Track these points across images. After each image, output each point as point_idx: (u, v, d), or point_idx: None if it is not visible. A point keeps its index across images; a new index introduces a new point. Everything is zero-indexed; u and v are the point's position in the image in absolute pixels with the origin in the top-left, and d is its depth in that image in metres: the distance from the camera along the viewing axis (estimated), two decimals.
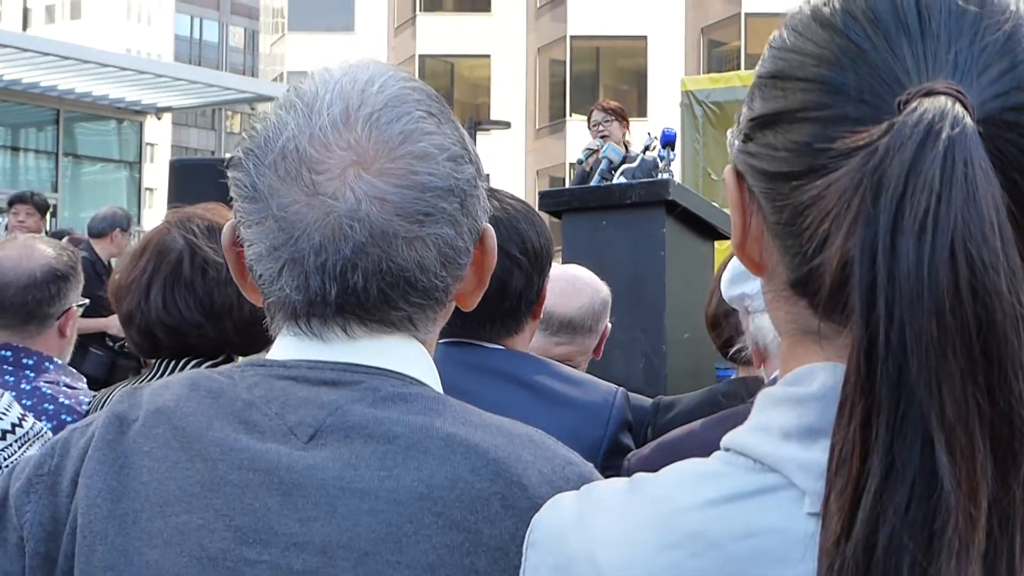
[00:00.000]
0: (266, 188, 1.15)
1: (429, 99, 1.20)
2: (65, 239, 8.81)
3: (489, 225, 1.26)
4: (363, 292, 1.14)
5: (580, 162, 8.20)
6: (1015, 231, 0.74)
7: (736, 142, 0.91)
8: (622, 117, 8.12)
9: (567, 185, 8.30)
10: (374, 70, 1.19)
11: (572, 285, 2.74)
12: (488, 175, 1.32)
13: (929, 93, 0.75)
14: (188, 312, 2.31)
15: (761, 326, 2.12)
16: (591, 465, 1.19)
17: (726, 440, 0.89)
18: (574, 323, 2.73)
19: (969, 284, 0.70)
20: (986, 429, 0.70)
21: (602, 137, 8.02)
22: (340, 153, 1.13)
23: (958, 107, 0.74)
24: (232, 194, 1.20)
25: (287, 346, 1.20)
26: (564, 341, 2.73)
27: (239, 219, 1.20)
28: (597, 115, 8.19)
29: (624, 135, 8.07)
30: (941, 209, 0.71)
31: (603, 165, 6.65)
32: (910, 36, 0.80)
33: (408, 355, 1.20)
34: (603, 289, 2.85)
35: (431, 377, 1.22)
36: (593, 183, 6.42)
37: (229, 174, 1.20)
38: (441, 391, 1.21)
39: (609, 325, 2.88)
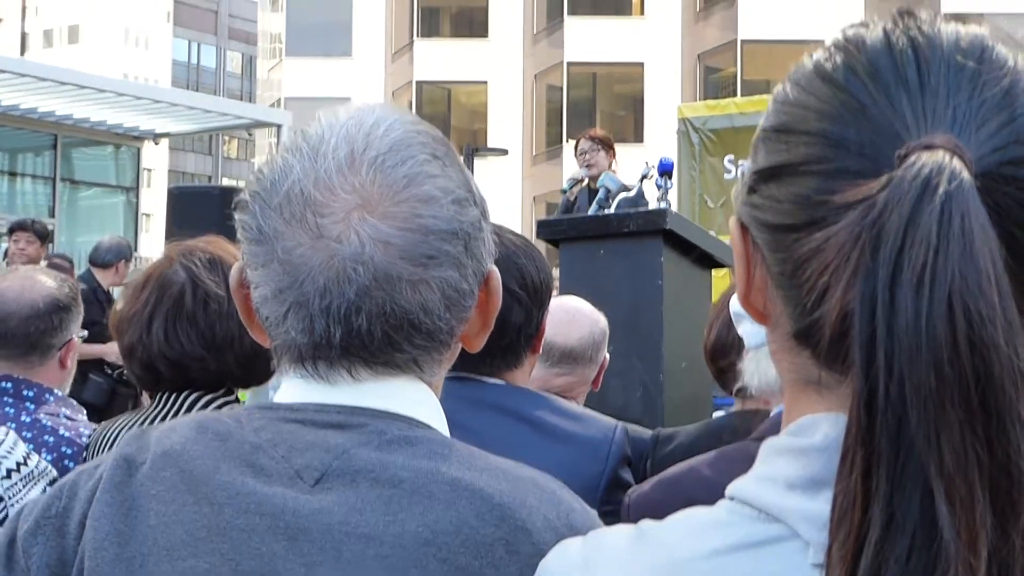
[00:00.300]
0: (271, 231, 1.16)
1: (434, 142, 1.21)
2: (43, 262, 8.83)
3: (495, 267, 1.26)
4: (367, 335, 1.15)
5: (564, 192, 8.20)
6: (1013, 284, 0.75)
7: (741, 194, 0.92)
8: (609, 146, 8.13)
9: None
10: (380, 113, 1.20)
11: (571, 316, 2.75)
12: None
13: (928, 147, 0.77)
14: (190, 345, 2.32)
15: (766, 365, 2.12)
16: (595, 512, 1.20)
17: (731, 489, 0.90)
18: (575, 353, 2.74)
19: (967, 337, 0.71)
20: (985, 479, 0.71)
21: (588, 166, 8.03)
22: (345, 196, 1.14)
23: (956, 161, 0.75)
24: (239, 236, 1.21)
25: (294, 388, 1.20)
26: (565, 372, 2.74)
27: (246, 261, 1.21)
28: (584, 144, 8.20)
29: (611, 164, 8.06)
30: (939, 263, 0.72)
31: (601, 194, 6.66)
32: (909, 91, 0.81)
33: (414, 398, 1.20)
34: (601, 320, 2.86)
35: (437, 420, 1.22)
36: (591, 212, 6.43)
37: (236, 216, 1.21)
38: (448, 433, 1.22)
39: (607, 356, 2.89)
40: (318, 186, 1.14)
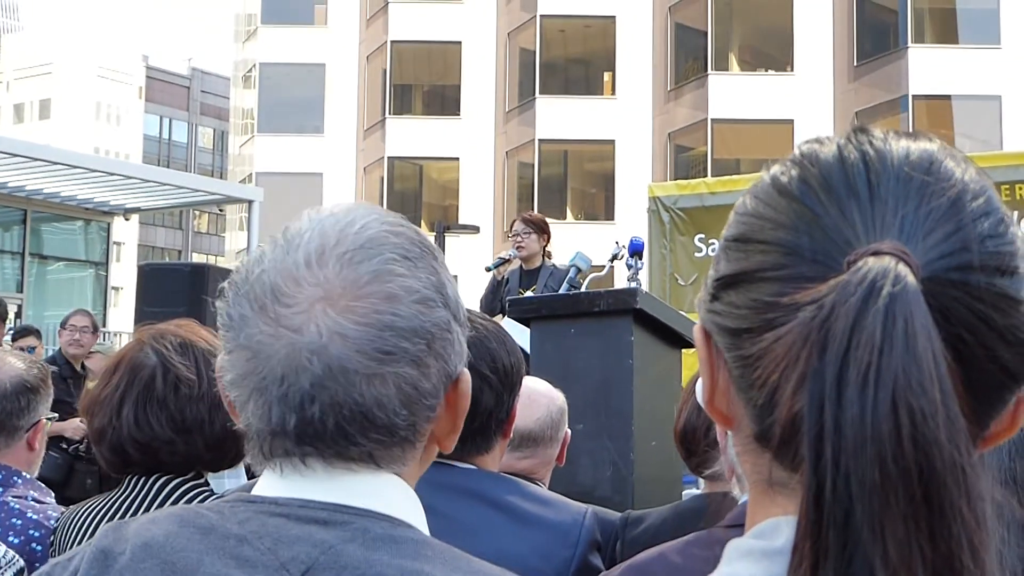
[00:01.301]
0: (239, 318, 1.18)
1: (410, 244, 1.23)
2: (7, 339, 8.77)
3: (466, 370, 1.27)
4: (319, 424, 1.16)
5: (488, 269, 8.24)
6: (960, 383, 0.78)
7: (704, 302, 0.94)
8: (542, 230, 8.16)
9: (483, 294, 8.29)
10: (361, 212, 1.23)
11: (528, 398, 2.75)
12: (456, 276, 1.34)
13: (875, 253, 0.80)
14: (160, 428, 2.32)
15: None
16: None
17: None
18: (534, 435, 2.75)
19: (910, 434, 0.73)
20: (929, 572, 0.73)
21: (518, 248, 8.09)
22: (310, 289, 1.16)
23: (901, 266, 0.78)
24: (218, 323, 1.23)
25: (274, 482, 1.21)
26: (527, 455, 2.74)
27: (222, 346, 1.23)
28: (517, 226, 8.27)
29: (544, 247, 8.13)
30: (883, 362, 0.74)
31: (571, 273, 6.70)
32: (860, 201, 0.85)
33: (395, 497, 1.21)
34: (559, 398, 2.87)
35: (418, 519, 1.22)
36: (562, 291, 6.46)
37: (217, 304, 1.23)
38: (427, 531, 1.22)
39: (569, 432, 2.89)
40: (285, 277, 1.17)
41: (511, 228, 8.40)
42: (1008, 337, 0.83)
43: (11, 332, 9.62)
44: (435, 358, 1.21)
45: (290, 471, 1.19)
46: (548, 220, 8.49)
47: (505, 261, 8.16)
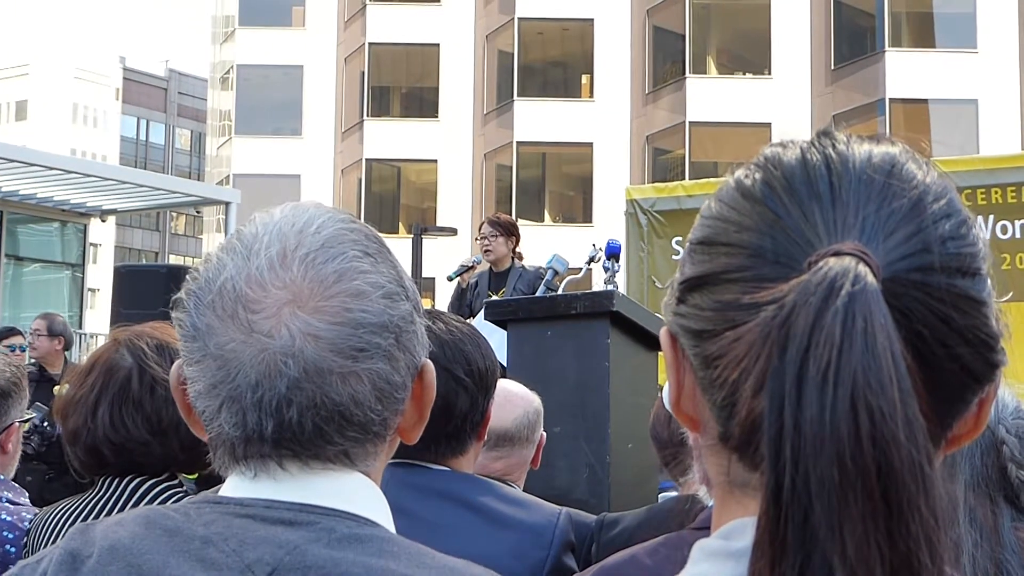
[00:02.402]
0: (205, 327, 1.18)
1: (367, 239, 1.24)
2: None
3: (428, 360, 1.28)
4: (298, 427, 1.17)
5: (450, 278, 8.18)
6: (921, 383, 0.79)
7: (670, 305, 0.95)
8: (511, 233, 8.13)
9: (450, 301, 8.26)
10: (313, 212, 1.24)
11: (504, 399, 2.76)
12: (429, 306, 1.35)
13: (836, 254, 0.80)
14: (135, 430, 2.32)
15: None
16: None
17: None
18: (510, 435, 2.75)
19: (869, 433, 0.74)
20: (887, 571, 0.73)
21: (485, 251, 8.08)
22: (276, 292, 1.16)
23: (862, 266, 0.79)
24: (177, 334, 1.23)
25: (240, 484, 1.21)
26: (503, 455, 2.75)
27: (183, 358, 1.23)
28: (485, 228, 8.25)
29: (512, 249, 8.11)
30: (842, 362, 0.75)
31: (548, 276, 6.70)
32: (822, 203, 0.86)
33: (361, 495, 1.21)
34: (535, 400, 2.88)
35: (384, 516, 1.23)
36: (539, 293, 6.46)
37: (172, 315, 1.23)
38: (394, 529, 1.22)
39: (544, 434, 2.90)
40: (250, 283, 1.17)
41: (480, 230, 8.38)
42: (968, 337, 0.84)
43: None
44: (403, 351, 1.22)
45: (263, 474, 1.20)
46: (525, 223, 8.49)
47: (468, 268, 8.14)
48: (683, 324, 0.92)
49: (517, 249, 8.14)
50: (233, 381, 1.16)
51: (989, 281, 0.88)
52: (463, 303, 7.94)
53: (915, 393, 0.76)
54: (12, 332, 9.54)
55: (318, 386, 1.16)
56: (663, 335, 0.96)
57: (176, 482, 2.41)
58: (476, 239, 8.40)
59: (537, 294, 6.61)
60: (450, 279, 8.18)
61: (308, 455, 1.19)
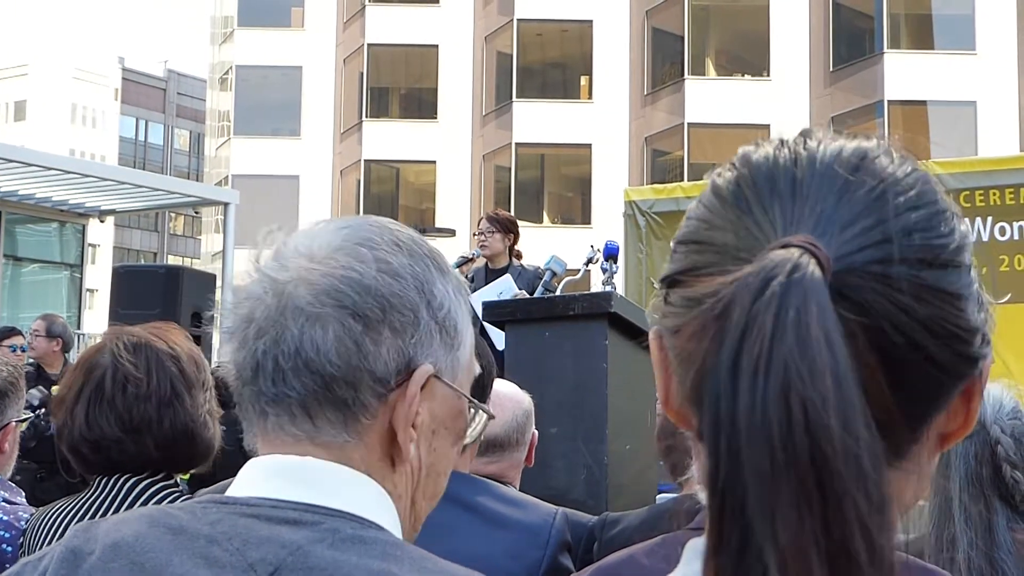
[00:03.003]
0: (244, 292, 1.26)
1: (423, 251, 1.30)
2: None
3: (436, 378, 1.27)
4: (263, 360, 1.22)
5: None
6: (884, 375, 0.80)
7: (655, 305, 0.96)
8: (508, 230, 8.12)
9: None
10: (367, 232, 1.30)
11: (493, 403, 2.76)
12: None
13: (784, 246, 0.81)
14: (108, 428, 2.34)
15: None
16: None
17: None
18: (500, 440, 2.75)
19: (802, 422, 0.73)
20: (823, 559, 0.73)
21: (481, 246, 8.08)
22: (299, 257, 1.24)
23: (805, 257, 0.79)
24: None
25: (248, 482, 1.22)
26: (494, 459, 2.74)
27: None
28: (483, 224, 8.25)
29: (508, 246, 8.09)
30: (774, 352, 0.75)
31: (547, 276, 6.71)
32: (782, 200, 0.87)
33: (367, 498, 1.22)
34: (524, 400, 2.87)
35: (390, 520, 1.23)
36: (538, 294, 6.47)
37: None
38: (400, 534, 1.23)
39: (536, 432, 2.90)
40: (277, 257, 1.25)
41: (478, 224, 8.38)
42: (935, 329, 0.84)
43: None
44: (390, 329, 1.22)
45: (273, 458, 1.22)
46: (524, 224, 8.48)
47: (467, 260, 8.15)
48: (664, 323, 0.94)
49: (516, 247, 8.13)
50: (246, 325, 1.23)
51: (972, 274, 0.88)
52: None
53: (860, 384, 0.76)
54: (13, 332, 9.55)
55: (286, 322, 1.20)
56: (652, 335, 0.97)
57: (172, 482, 2.42)
58: (474, 234, 8.39)
59: (536, 294, 6.60)
60: None
61: (268, 399, 1.23)
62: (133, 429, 2.33)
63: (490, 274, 8.02)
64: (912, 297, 0.83)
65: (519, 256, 8.17)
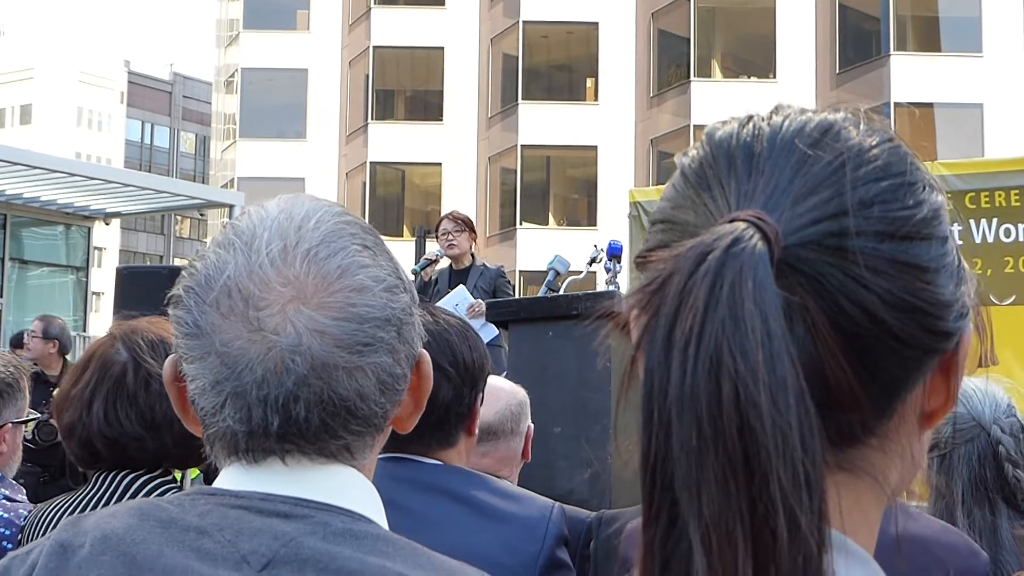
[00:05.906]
0: (208, 325, 1.17)
1: (364, 232, 1.24)
2: None
3: (425, 351, 1.29)
4: (305, 422, 1.17)
5: (416, 272, 8.28)
6: (842, 351, 0.80)
7: None
8: (471, 229, 8.31)
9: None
10: (309, 206, 1.23)
11: (489, 393, 2.77)
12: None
13: (732, 221, 0.80)
14: (129, 424, 2.32)
15: None
16: None
17: None
18: (493, 427, 2.75)
19: (731, 397, 0.73)
20: (747, 534, 0.72)
21: (449, 246, 8.15)
22: (280, 289, 1.16)
23: (749, 231, 0.78)
24: (173, 331, 1.23)
25: (235, 476, 1.21)
26: (488, 449, 2.75)
27: (180, 355, 1.22)
28: (447, 224, 8.38)
29: (472, 246, 8.24)
30: (705, 326, 0.74)
31: (550, 276, 6.71)
32: (739, 175, 0.86)
33: (355, 490, 1.21)
34: (519, 392, 2.89)
35: (377, 513, 1.23)
36: (540, 293, 6.47)
37: (169, 312, 1.23)
38: (387, 525, 1.22)
39: (531, 426, 2.90)
40: (253, 280, 1.17)
41: (438, 228, 8.46)
42: (894, 302, 0.82)
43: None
44: (403, 343, 1.23)
45: (261, 467, 1.20)
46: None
47: (432, 262, 8.24)
48: (628, 301, 0.93)
49: (474, 248, 8.28)
50: (239, 378, 1.16)
51: (946, 246, 0.86)
52: (424, 297, 7.99)
53: (804, 359, 0.76)
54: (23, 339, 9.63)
55: (325, 382, 1.16)
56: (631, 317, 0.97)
57: (169, 477, 2.42)
58: (436, 237, 8.49)
59: (539, 294, 6.60)
60: (415, 272, 8.26)
61: (312, 449, 1.19)
62: (154, 426, 2.33)
63: (454, 275, 8.12)
64: (869, 270, 0.81)
65: (475, 256, 8.29)
